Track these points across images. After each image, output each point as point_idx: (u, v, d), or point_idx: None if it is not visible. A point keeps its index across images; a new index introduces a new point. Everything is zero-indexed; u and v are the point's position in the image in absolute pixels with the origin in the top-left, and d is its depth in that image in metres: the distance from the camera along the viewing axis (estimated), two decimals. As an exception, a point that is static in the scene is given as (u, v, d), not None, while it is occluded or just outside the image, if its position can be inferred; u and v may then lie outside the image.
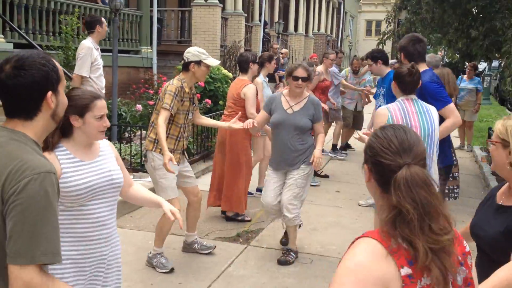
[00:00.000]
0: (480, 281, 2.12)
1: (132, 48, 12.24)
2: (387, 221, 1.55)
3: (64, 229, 2.34)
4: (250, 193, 7.22)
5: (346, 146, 10.62)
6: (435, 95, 4.24)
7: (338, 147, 10.20)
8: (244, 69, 6.31)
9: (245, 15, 18.35)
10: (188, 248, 5.21)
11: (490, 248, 2.29)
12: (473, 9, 9.40)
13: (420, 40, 4.58)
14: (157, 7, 13.28)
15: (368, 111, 10.74)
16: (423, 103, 3.96)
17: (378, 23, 45.21)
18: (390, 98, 5.83)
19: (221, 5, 15.93)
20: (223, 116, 6.48)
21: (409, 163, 1.57)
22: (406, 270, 1.50)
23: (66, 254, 2.31)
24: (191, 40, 15.66)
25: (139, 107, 9.13)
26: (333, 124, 9.90)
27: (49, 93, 1.84)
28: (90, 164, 2.53)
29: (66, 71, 7.86)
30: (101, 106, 2.56)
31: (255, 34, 19.87)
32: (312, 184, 7.91)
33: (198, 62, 4.63)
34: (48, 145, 2.45)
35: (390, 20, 10.59)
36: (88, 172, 2.49)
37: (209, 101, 9.69)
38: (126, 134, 8.82)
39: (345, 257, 1.56)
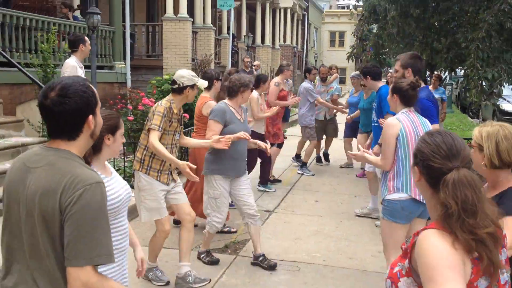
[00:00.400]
0: None
1: (106, 63, 12.34)
2: (440, 217, 1.79)
3: None
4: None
5: (324, 156, 10.96)
6: (427, 112, 4.58)
7: (309, 162, 10.25)
8: (208, 86, 6.33)
9: (215, 28, 18.64)
10: (182, 283, 4.83)
11: None
12: (436, 23, 9.87)
13: (421, 58, 4.98)
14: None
15: (341, 121, 11.09)
16: (422, 117, 4.22)
17: (341, 34, 46.13)
18: (379, 112, 6.17)
19: (192, 20, 16.15)
20: (192, 133, 6.73)
21: (458, 166, 1.83)
22: (473, 254, 1.75)
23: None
24: (162, 54, 15.83)
25: (118, 123, 9.26)
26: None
27: (90, 116, 2.08)
28: (113, 179, 2.74)
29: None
30: (122, 123, 2.82)
31: (224, 47, 20.15)
32: (268, 190, 8.29)
33: (192, 86, 4.77)
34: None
35: (358, 35, 11.00)
36: (117, 187, 2.69)
37: (187, 115, 9.88)
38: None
39: (423, 251, 1.75)
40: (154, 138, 4.55)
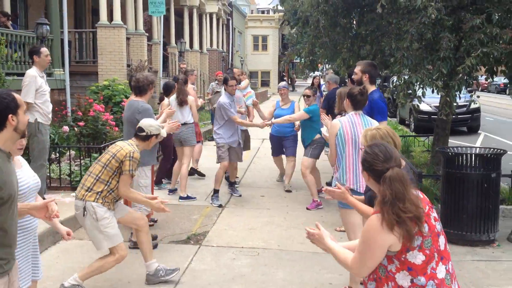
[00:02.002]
0: None
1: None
2: (378, 203, 2.56)
3: None
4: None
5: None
6: (379, 110, 5.45)
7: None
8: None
9: (147, 34, 18.95)
10: (154, 278, 5.19)
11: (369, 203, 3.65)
12: (362, 33, 10.83)
13: (377, 67, 5.89)
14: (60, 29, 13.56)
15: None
16: (368, 118, 4.98)
17: (264, 38, 47.31)
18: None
19: (126, 26, 16.43)
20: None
21: (393, 166, 2.58)
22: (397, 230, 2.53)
23: None
24: (96, 60, 16.01)
25: (66, 128, 9.54)
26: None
27: (10, 115, 2.77)
28: (22, 170, 3.47)
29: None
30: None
31: (155, 52, 20.49)
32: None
33: (157, 135, 5.19)
34: None
35: (292, 42, 11.80)
36: (24, 176, 3.44)
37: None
38: (53, 156, 9.15)
39: (366, 226, 2.60)
40: (127, 185, 4.87)
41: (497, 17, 7.39)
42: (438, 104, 12.68)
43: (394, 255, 2.55)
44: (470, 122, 17.40)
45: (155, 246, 6.09)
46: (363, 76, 5.65)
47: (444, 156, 6.70)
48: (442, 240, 2.64)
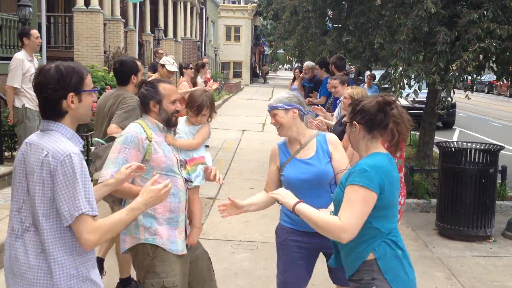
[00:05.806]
0: None
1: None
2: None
3: None
4: None
5: None
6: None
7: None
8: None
9: (124, 20, 18.53)
10: None
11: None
12: (351, 25, 10.75)
13: (342, 58, 6.43)
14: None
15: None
16: None
17: (237, 29, 46.92)
18: None
19: (103, 12, 16.02)
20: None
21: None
22: None
23: None
24: (72, 45, 15.59)
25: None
26: None
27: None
28: None
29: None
30: None
31: (130, 39, 20.06)
32: None
33: (162, 65, 6.39)
34: None
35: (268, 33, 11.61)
36: None
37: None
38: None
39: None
40: None
41: (491, 13, 7.40)
42: (418, 99, 12.88)
43: None
44: (446, 117, 17.57)
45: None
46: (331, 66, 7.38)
47: (441, 151, 6.69)
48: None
